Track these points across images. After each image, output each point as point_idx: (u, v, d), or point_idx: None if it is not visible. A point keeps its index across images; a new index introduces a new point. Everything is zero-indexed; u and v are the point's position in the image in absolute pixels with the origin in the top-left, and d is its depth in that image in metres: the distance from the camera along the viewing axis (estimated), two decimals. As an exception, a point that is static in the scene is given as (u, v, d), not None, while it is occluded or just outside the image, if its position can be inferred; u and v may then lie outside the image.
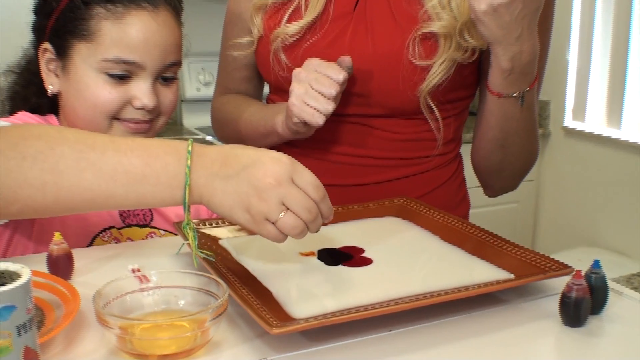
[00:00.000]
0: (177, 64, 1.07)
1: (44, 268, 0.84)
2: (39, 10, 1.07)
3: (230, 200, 0.74)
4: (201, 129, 2.58)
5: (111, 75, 1.01)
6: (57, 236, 0.85)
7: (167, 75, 1.06)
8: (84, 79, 1.02)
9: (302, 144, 1.15)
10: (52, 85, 1.06)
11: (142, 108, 1.03)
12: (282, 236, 0.75)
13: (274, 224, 0.74)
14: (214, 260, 0.82)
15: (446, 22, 1.03)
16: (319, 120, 1.00)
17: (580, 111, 2.66)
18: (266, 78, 1.20)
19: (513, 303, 0.80)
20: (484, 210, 2.10)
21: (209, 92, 2.54)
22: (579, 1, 2.59)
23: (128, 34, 1.00)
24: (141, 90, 1.02)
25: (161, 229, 1.12)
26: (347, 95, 1.07)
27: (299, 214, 0.74)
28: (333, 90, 1.00)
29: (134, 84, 1.02)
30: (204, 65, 2.64)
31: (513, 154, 1.13)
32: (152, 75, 1.03)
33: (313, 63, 1.02)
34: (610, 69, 2.53)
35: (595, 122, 2.62)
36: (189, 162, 0.75)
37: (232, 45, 1.21)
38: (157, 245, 1.00)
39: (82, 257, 0.90)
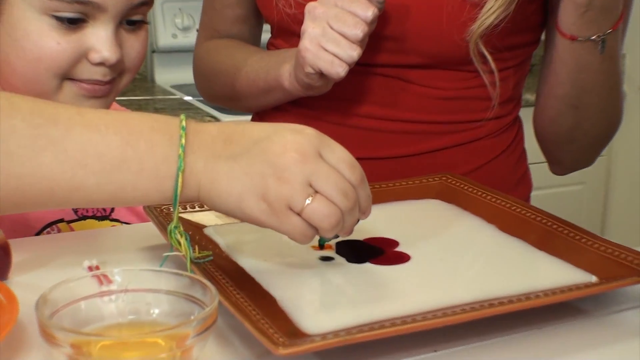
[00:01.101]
0: (148, 2, 1.05)
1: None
2: None
3: (240, 186, 0.73)
4: (178, 87, 2.61)
5: (60, 19, 0.99)
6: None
7: (134, 18, 1.04)
8: (23, 24, 0.99)
9: (314, 104, 1.15)
10: None
11: (101, 63, 1.01)
12: (311, 231, 0.74)
13: (299, 214, 0.73)
14: (210, 258, 0.83)
15: None
16: (339, 69, 1.00)
17: (663, 67, 2.67)
18: (267, 17, 1.20)
19: (594, 315, 0.79)
20: (542, 193, 2.10)
21: (189, 39, 2.59)
22: None
23: None
24: (100, 40, 1.00)
25: (125, 222, 1.12)
26: (375, 39, 1.07)
27: (332, 198, 0.73)
28: (359, 30, 0.99)
29: (90, 30, 1.00)
30: (182, 6, 2.67)
31: (589, 118, 1.13)
32: (115, 19, 1.01)
33: None
34: None
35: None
36: (182, 140, 0.74)
37: None
38: (121, 236, 1.02)
39: (22, 250, 0.89)
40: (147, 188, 0.75)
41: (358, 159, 1.10)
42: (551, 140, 1.20)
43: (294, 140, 0.73)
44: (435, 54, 1.10)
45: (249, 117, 1.35)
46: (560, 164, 1.24)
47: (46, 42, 0.99)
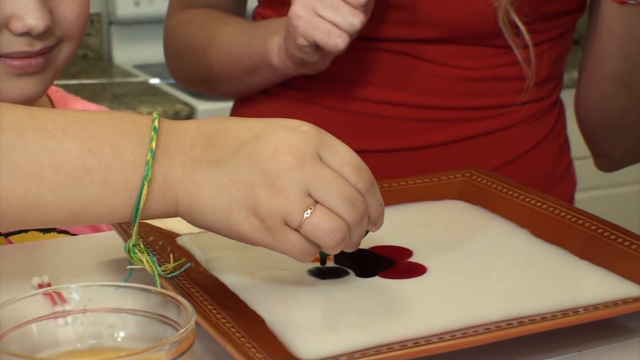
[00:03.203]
0: None
1: None
2: None
3: (226, 199, 0.74)
4: (142, 68, 2.60)
5: None
6: None
7: None
8: None
9: (308, 86, 1.16)
10: None
11: (26, 33, 1.02)
12: (313, 248, 0.75)
13: (297, 230, 0.73)
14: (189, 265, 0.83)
15: None
16: (338, 41, 1.00)
17: None
18: None
19: None
20: (590, 195, 2.09)
21: (156, 7, 2.58)
22: None
23: None
24: (21, 4, 1.01)
25: (74, 234, 1.12)
26: (382, 7, 1.08)
27: (336, 209, 0.73)
28: None
29: None
30: None
31: None
32: None
33: None
34: None
35: None
36: (153, 144, 0.74)
37: None
38: (76, 248, 1.01)
39: None
40: (115, 203, 0.75)
41: (361, 151, 1.11)
42: (598, 128, 1.19)
43: (287, 141, 0.73)
44: (456, 25, 1.10)
45: (230, 104, 1.35)
46: (608, 158, 1.24)
47: None
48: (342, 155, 0.75)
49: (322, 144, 0.74)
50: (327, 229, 0.73)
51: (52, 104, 1.23)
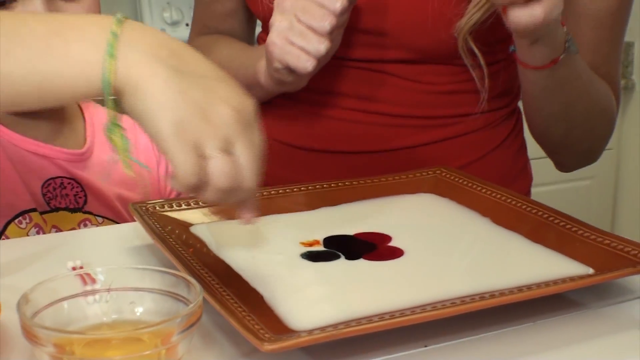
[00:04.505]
0: None
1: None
2: None
3: (171, 97, 0.70)
4: None
5: None
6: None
7: None
8: None
9: (297, 96, 1.15)
10: None
11: None
12: (196, 178, 0.71)
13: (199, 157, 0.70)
14: (149, 170, 0.80)
15: None
16: (307, 64, 0.99)
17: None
18: (254, 10, 1.21)
19: (592, 307, 0.80)
20: (547, 189, 2.10)
21: (178, 34, 2.59)
22: None
23: None
24: (28, 7, 1.01)
25: (97, 215, 1.12)
26: (354, 32, 1.07)
27: (240, 170, 0.72)
28: (326, 22, 0.98)
29: (20, 9, 1.01)
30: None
31: (579, 126, 1.14)
32: None
33: None
34: None
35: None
36: (115, 27, 0.70)
37: None
38: (106, 236, 1.02)
39: (5, 252, 0.90)
40: (73, 75, 0.71)
41: (343, 152, 1.12)
42: (547, 145, 1.19)
43: (239, 101, 0.72)
44: (421, 49, 1.09)
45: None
46: (562, 164, 1.23)
47: None
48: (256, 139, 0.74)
49: (252, 126, 0.74)
50: (225, 174, 0.71)
51: (80, 108, 1.21)
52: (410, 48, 1.09)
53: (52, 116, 1.13)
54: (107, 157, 0.77)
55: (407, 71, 1.11)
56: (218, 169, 0.71)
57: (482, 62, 1.10)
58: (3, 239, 1.00)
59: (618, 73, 1.16)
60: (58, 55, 0.70)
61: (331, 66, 1.05)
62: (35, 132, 1.11)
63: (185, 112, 0.70)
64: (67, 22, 0.72)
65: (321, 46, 0.98)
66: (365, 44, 1.10)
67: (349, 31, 1.05)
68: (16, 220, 1.06)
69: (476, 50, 1.08)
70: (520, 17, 0.89)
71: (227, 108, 0.71)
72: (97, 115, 1.22)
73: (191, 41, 1.33)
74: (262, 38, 1.23)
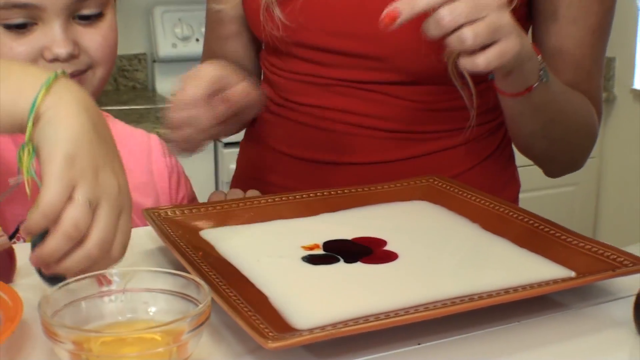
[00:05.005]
0: None
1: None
2: None
3: (80, 138, 0.71)
4: None
5: (9, 27, 1.00)
6: (-5, 228, 0.85)
7: (85, 12, 1.05)
8: None
9: (304, 109, 1.15)
10: None
11: (55, 59, 1.02)
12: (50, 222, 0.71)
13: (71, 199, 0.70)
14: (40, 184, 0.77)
15: None
16: (181, 153, 1.04)
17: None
18: (258, 36, 1.20)
19: (574, 308, 0.80)
20: (534, 194, 2.10)
21: (188, 48, 2.60)
22: None
23: None
24: (49, 37, 1.02)
25: None
26: (352, 58, 1.07)
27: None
28: (174, 114, 1.01)
29: (40, 31, 1.02)
30: (182, 16, 2.67)
31: (561, 140, 1.13)
32: (60, 16, 1.02)
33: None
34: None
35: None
36: (59, 73, 0.74)
37: (218, 3, 1.21)
38: None
39: (26, 254, 0.87)
40: (7, 101, 0.73)
41: (342, 164, 1.12)
42: (531, 158, 1.18)
43: (124, 180, 0.74)
44: (416, 72, 1.08)
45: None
46: (548, 172, 1.22)
47: (3, 49, 1.00)
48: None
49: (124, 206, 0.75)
50: (68, 218, 0.70)
51: None
52: (406, 71, 1.08)
53: None
54: (10, 180, 0.77)
55: (403, 91, 1.10)
56: (74, 214, 0.70)
57: (470, 84, 1.09)
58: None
59: (599, 89, 1.16)
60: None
61: (334, 86, 1.05)
62: None
63: (82, 155, 0.71)
64: (17, 66, 0.76)
65: (173, 136, 1.00)
66: (364, 67, 1.09)
67: (350, 56, 1.06)
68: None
69: (465, 73, 1.07)
70: (464, 64, 0.89)
71: (114, 179, 0.73)
72: (113, 126, 1.22)
73: None
74: (266, 59, 1.23)
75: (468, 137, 1.15)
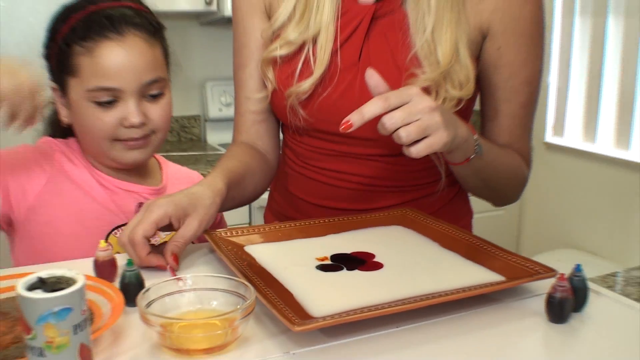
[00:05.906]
0: (159, 80, 1.05)
1: (89, 271, 0.85)
2: (44, 55, 1.09)
3: None
4: (223, 146, 2.57)
5: (99, 103, 1.02)
6: (102, 244, 0.86)
7: (151, 92, 1.05)
8: (80, 110, 1.03)
9: (307, 165, 1.11)
10: (65, 117, 1.08)
11: (131, 126, 1.03)
12: None
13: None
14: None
15: (429, 75, 0.97)
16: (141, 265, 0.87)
17: (559, 127, 2.68)
18: (284, 122, 1.12)
19: (504, 302, 0.80)
20: (482, 215, 2.09)
21: (231, 111, 2.56)
22: (558, 28, 2.61)
23: (100, 64, 1.00)
24: (126, 111, 1.02)
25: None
26: (354, 139, 1.04)
27: None
28: (125, 238, 0.86)
29: (120, 106, 1.02)
30: (225, 89, 2.65)
31: (500, 189, 1.09)
32: (134, 96, 1.02)
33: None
34: (587, 89, 2.53)
35: (573, 137, 2.63)
36: None
37: (247, 98, 1.13)
38: (192, 251, 0.99)
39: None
40: None
41: (335, 209, 1.07)
42: (480, 198, 1.13)
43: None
44: (396, 147, 0.93)
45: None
46: (493, 204, 1.16)
47: (93, 120, 1.02)
48: None
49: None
50: None
51: (159, 164, 1.21)
52: (390, 147, 1.04)
53: (139, 168, 1.13)
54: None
55: (392, 160, 1.06)
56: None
57: (436, 155, 1.05)
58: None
59: (529, 146, 1.11)
60: None
61: (342, 157, 1.02)
62: (129, 177, 1.11)
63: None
64: None
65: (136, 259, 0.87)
66: (363, 145, 1.05)
67: (353, 138, 1.02)
68: (113, 232, 1.06)
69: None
70: (404, 151, 0.84)
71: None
72: (169, 167, 1.21)
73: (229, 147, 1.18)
74: (286, 131, 1.16)
75: (439, 187, 1.11)
